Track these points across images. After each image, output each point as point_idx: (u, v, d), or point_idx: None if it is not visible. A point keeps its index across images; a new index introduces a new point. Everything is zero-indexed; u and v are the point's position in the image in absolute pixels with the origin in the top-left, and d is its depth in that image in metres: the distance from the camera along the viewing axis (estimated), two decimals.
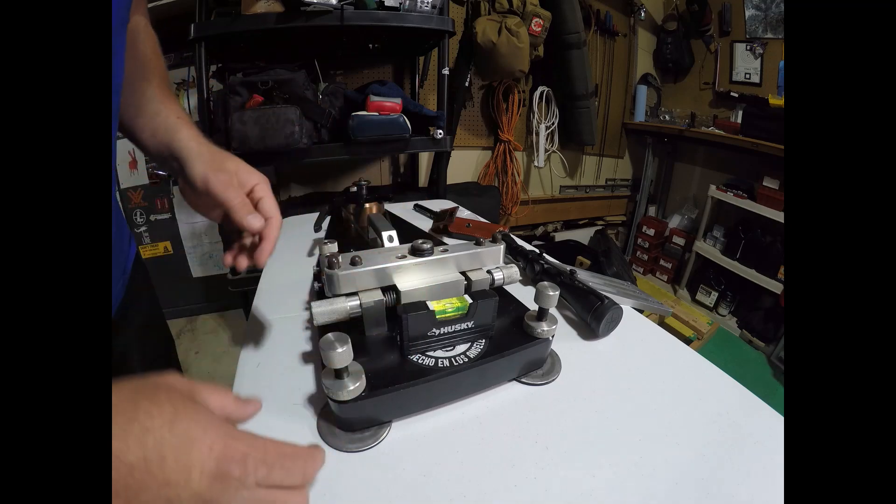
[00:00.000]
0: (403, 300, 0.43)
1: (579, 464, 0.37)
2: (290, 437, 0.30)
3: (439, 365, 0.41)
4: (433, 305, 0.42)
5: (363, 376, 0.37)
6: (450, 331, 0.43)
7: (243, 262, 0.45)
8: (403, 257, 0.44)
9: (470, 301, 0.43)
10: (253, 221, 0.43)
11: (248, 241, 0.46)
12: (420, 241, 0.46)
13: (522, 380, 0.47)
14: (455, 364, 0.41)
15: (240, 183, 0.45)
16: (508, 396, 0.45)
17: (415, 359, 0.41)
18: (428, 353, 0.42)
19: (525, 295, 0.54)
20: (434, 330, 0.42)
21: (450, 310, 0.42)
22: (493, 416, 0.42)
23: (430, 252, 0.45)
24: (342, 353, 0.34)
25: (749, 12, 2.36)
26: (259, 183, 0.46)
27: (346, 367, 0.36)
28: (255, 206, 0.45)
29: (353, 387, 0.36)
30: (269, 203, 0.45)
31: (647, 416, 0.43)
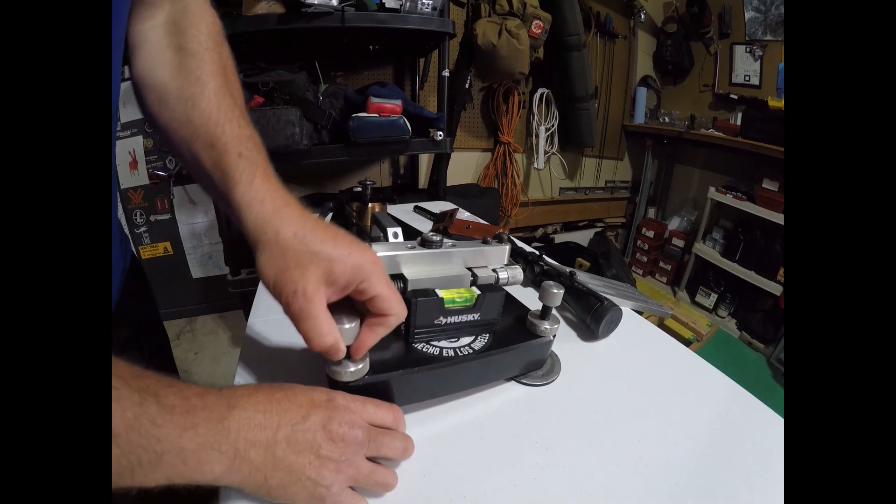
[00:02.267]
0: (411, 287, 0.43)
1: (579, 464, 0.37)
2: None
3: (444, 354, 0.41)
4: (441, 293, 0.42)
5: (367, 359, 0.37)
6: (456, 321, 0.43)
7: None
8: (412, 248, 0.44)
9: (478, 293, 0.43)
10: (331, 355, 0.34)
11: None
12: (429, 233, 0.46)
13: (522, 380, 0.47)
14: (459, 354, 0.41)
15: (330, 281, 0.33)
16: (508, 397, 0.45)
17: (420, 347, 0.42)
18: (433, 343, 0.43)
19: (525, 297, 0.54)
20: (441, 319, 0.42)
21: (458, 300, 0.42)
22: (493, 416, 0.42)
23: (440, 244, 0.45)
24: (350, 330, 0.34)
25: (749, 14, 2.36)
26: (365, 279, 0.34)
27: (350, 348, 0.36)
28: (366, 302, 0.35)
29: (356, 368, 0.36)
30: (386, 301, 0.35)
31: (646, 417, 0.43)
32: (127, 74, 0.44)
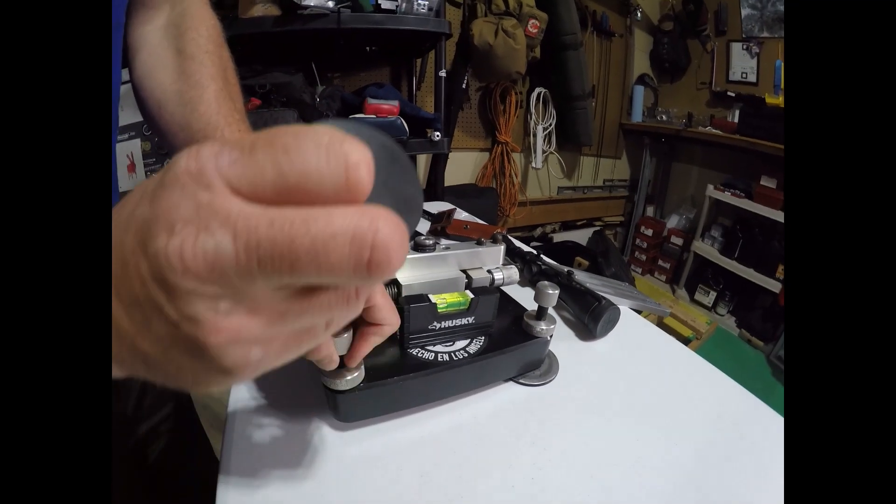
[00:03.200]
0: (404, 293, 0.43)
1: (577, 465, 0.37)
2: (288, 436, 0.30)
3: (439, 359, 0.41)
4: (434, 299, 0.42)
5: (362, 367, 0.37)
6: (450, 325, 0.43)
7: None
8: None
9: (471, 296, 0.43)
10: (324, 365, 0.33)
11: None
12: (422, 237, 0.46)
13: (520, 380, 0.46)
14: (455, 359, 0.41)
15: None
16: (506, 397, 0.45)
17: (414, 352, 0.42)
18: (427, 348, 0.42)
19: (522, 296, 0.53)
20: (435, 324, 0.42)
21: (451, 304, 0.42)
22: (490, 416, 0.42)
23: (433, 248, 0.45)
24: (343, 341, 0.34)
25: (745, 12, 2.36)
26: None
27: (345, 357, 0.35)
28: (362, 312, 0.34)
29: (352, 377, 0.36)
30: (381, 311, 0.34)
31: (645, 417, 0.43)
32: (126, 77, 0.44)
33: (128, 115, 1.86)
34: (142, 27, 0.40)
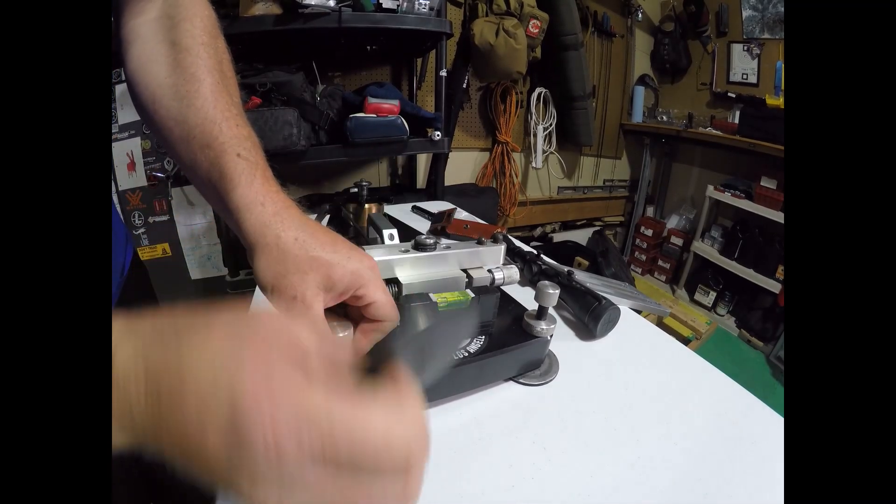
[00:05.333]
0: (405, 291, 0.43)
1: (577, 464, 0.37)
2: None
3: None
4: (435, 297, 0.42)
5: None
6: None
7: None
8: (406, 251, 0.44)
9: (472, 295, 0.43)
10: None
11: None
12: (423, 236, 0.46)
13: (520, 380, 0.46)
14: (455, 358, 0.41)
15: (328, 287, 0.33)
16: (506, 397, 0.45)
17: None
18: None
19: (522, 296, 0.53)
20: None
21: (452, 302, 0.42)
22: (490, 416, 0.42)
23: (434, 247, 0.45)
24: (343, 339, 0.34)
25: (746, 13, 2.36)
26: (363, 285, 0.33)
27: None
28: (362, 308, 0.35)
29: None
30: (382, 308, 0.34)
31: (645, 417, 0.43)
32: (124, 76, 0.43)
33: (128, 113, 1.86)
34: (134, 20, 0.39)
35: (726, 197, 2.35)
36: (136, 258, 0.58)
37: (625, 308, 0.61)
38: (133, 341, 0.19)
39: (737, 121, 2.32)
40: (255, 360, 0.18)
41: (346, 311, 0.36)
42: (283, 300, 0.32)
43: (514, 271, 0.49)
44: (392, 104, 1.35)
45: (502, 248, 0.49)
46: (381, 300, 0.34)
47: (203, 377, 0.17)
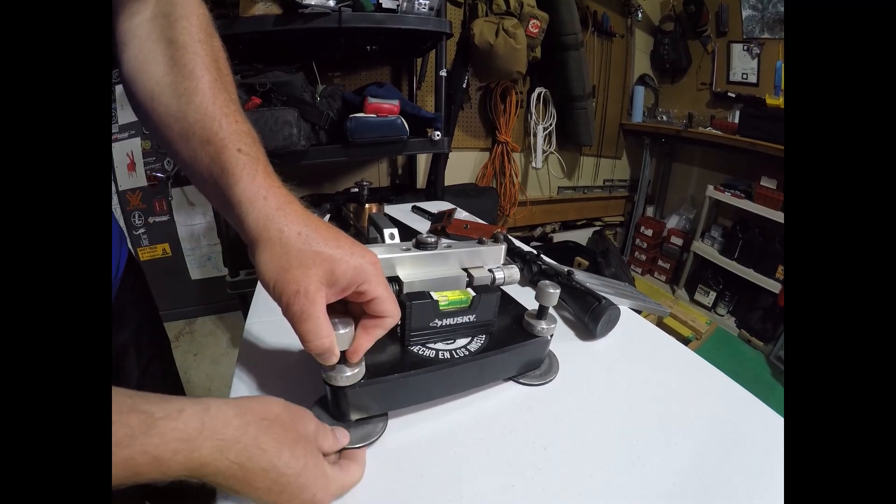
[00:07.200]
0: (406, 290, 0.43)
1: (577, 464, 0.37)
2: None
3: (440, 357, 0.41)
4: (436, 296, 0.42)
5: (363, 363, 0.37)
6: (451, 323, 0.43)
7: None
8: (408, 250, 0.44)
9: (473, 294, 0.43)
10: (325, 359, 0.34)
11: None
12: (424, 235, 0.46)
13: (520, 380, 0.47)
14: (455, 356, 0.41)
15: (331, 282, 0.33)
16: (506, 397, 0.45)
17: (415, 350, 0.42)
18: (429, 345, 0.42)
19: (523, 296, 0.53)
20: (436, 321, 0.42)
21: (453, 301, 0.42)
22: (490, 416, 0.42)
23: (435, 246, 0.45)
24: (345, 335, 0.34)
25: (746, 13, 2.36)
26: (366, 280, 0.34)
27: (347, 352, 0.35)
28: (364, 304, 0.35)
29: (352, 373, 0.36)
30: (384, 304, 0.35)
31: (645, 417, 0.43)
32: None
33: (128, 113, 1.86)
34: (129, 20, 0.39)
35: (726, 197, 2.35)
36: (131, 258, 0.58)
37: (625, 308, 0.61)
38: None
39: (737, 121, 2.32)
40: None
41: (348, 308, 0.36)
42: (286, 295, 0.32)
43: (514, 271, 0.49)
44: (392, 104, 1.35)
45: (503, 247, 0.49)
46: (383, 296, 0.35)
47: None
